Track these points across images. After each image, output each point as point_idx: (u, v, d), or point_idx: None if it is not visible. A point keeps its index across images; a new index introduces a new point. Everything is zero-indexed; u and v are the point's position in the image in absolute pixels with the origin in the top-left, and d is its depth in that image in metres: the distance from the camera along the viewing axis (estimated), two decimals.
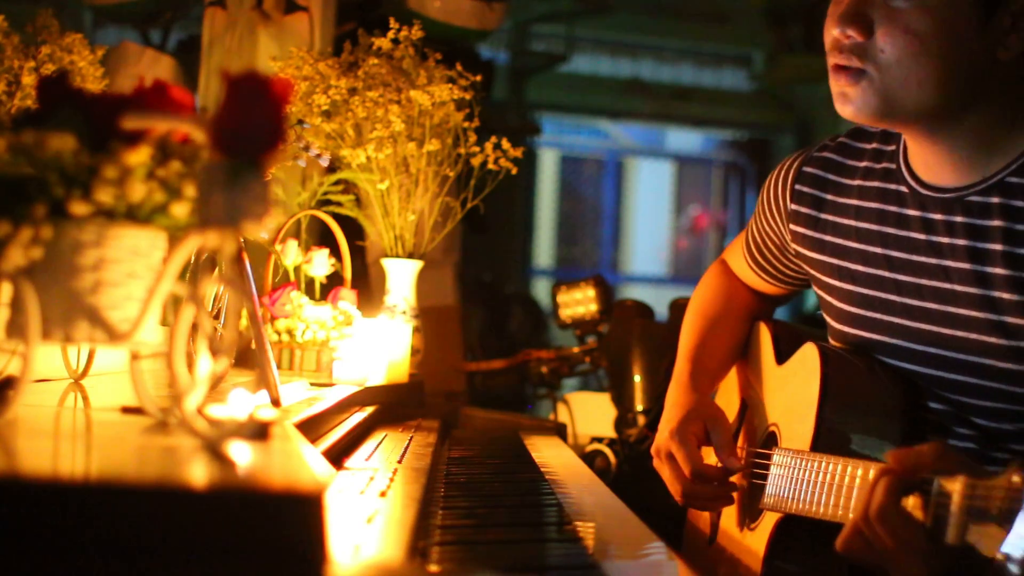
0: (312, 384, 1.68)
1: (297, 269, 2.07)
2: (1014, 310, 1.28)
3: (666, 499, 1.59)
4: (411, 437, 1.66)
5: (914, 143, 1.38)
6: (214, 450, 0.76)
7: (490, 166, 2.20)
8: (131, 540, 0.61)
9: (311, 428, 1.22)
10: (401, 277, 2.25)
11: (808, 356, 1.43)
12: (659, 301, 2.96)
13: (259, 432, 0.81)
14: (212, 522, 0.62)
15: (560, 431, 2.19)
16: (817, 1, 1.37)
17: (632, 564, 1.04)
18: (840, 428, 1.36)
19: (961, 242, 1.32)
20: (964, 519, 0.99)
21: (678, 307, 2.64)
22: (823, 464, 1.28)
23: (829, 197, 1.49)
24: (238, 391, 0.87)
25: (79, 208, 0.76)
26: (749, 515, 1.50)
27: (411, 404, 2.08)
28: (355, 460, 1.36)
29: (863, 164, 1.47)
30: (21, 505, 0.60)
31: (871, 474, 1.18)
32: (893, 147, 1.44)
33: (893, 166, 1.42)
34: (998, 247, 1.29)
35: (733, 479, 1.52)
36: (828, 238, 1.49)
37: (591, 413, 2.82)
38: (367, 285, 2.90)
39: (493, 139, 2.20)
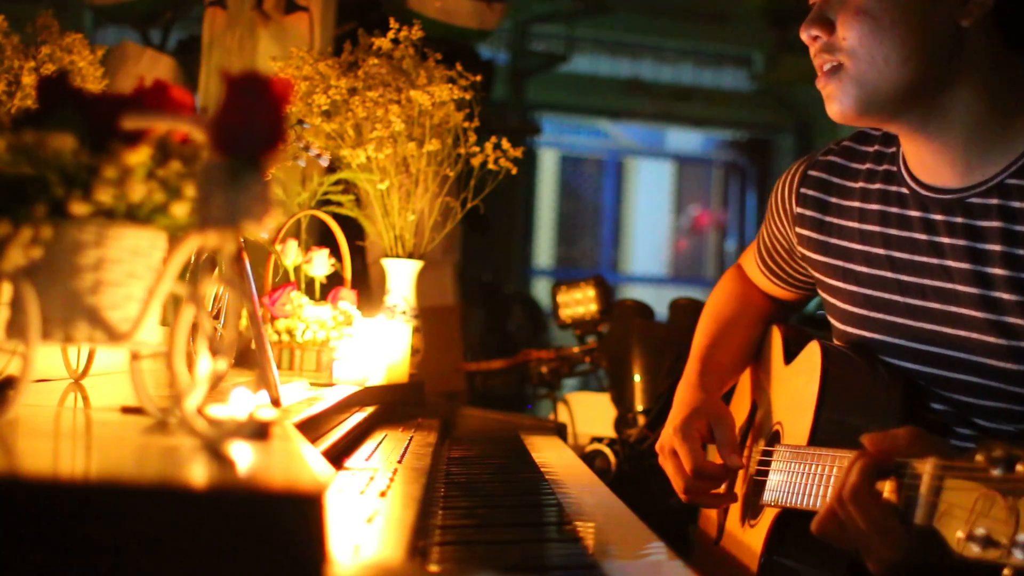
0: (312, 384, 1.68)
1: (297, 269, 2.07)
2: (1014, 310, 1.28)
3: (666, 499, 1.59)
4: (411, 437, 1.66)
5: (908, 142, 1.39)
6: (214, 450, 0.76)
7: (490, 166, 2.20)
8: (131, 540, 0.61)
9: (311, 428, 1.22)
10: (401, 277, 2.25)
11: (811, 354, 1.45)
12: (659, 301, 2.96)
13: (259, 432, 0.81)
14: (212, 522, 0.62)
15: (560, 431, 2.19)
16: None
17: (632, 564, 1.04)
18: (838, 424, 1.36)
19: (961, 242, 1.33)
20: (934, 500, 0.99)
21: (678, 307, 2.64)
22: (816, 457, 1.30)
23: (833, 200, 1.51)
24: (238, 391, 0.87)
25: (79, 208, 0.76)
26: (751, 512, 1.51)
27: (411, 404, 2.08)
28: (355, 460, 1.36)
29: (865, 167, 1.48)
30: (21, 505, 0.60)
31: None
32: (893, 149, 1.45)
33: (894, 168, 1.43)
34: (997, 248, 1.29)
35: (737, 478, 1.52)
36: (832, 240, 1.50)
37: (591, 413, 2.82)
38: (367, 285, 2.90)
39: (493, 139, 2.20)
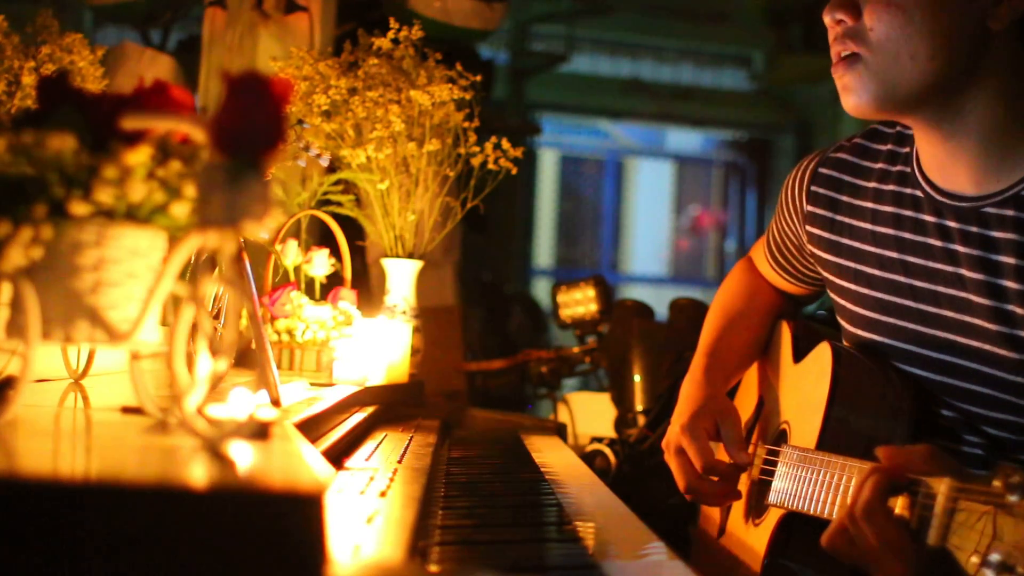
0: (312, 384, 1.68)
1: (297, 269, 2.07)
2: None
3: (666, 499, 1.59)
4: (411, 437, 1.66)
5: (923, 142, 1.37)
6: (214, 450, 0.76)
7: (490, 166, 2.20)
8: (131, 540, 0.61)
9: (311, 428, 1.22)
10: (401, 277, 2.25)
11: (822, 355, 1.43)
12: (659, 301, 2.96)
13: (259, 432, 0.81)
14: (212, 522, 0.62)
15: (560, 431, 2.19)
16: (817, 1, 1.37)
17: (632, 564, 1.04)
18: (847, 428, 1.36)
19: (976, 252, 1.31)
20: (947, 521, 0.99)
21: (678, 307, 2.64)
22: (824, 463, 1.28)
23: (844, 199, 1.49)
24: (238, 391, 0.87)
25: (79, 208, 0.76)
26: (756, 511, 1.51)
27: (411, 404, 2.08)
28: (355, 460, 1.36)
29: (878, 166, 1.46)
30: (21, 505, 0.60)
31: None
32: (907, 149, 1.42)
33: (908, 169, 1.41)
34: (1011, 260, 1.27)
35: (742, 476, 1.52)
36: (844, 241, 1.48)
37: (591, 413, 2.82)
38: (367, 285, 2.90)
39: (493, 139, 2.20)
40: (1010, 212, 1.28)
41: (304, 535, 0.63)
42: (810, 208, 1.53)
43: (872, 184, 1.46)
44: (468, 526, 1.16)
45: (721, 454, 1.52)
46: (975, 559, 0.92)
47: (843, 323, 1.51)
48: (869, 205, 1.45)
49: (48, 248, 0.77)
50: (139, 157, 0.77)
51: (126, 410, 0.98)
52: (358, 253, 2.72)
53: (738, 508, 1.58)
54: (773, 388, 1.61)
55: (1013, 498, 0.91)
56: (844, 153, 1.51)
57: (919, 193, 1.38)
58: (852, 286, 1.47)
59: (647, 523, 1.21)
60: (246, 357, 1.71)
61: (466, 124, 2.20)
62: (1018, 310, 1.27)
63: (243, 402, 0.85)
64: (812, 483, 1.30)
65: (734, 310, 1.71)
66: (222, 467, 0.70)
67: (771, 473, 1.45)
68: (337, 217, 2.17)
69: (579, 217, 8.16)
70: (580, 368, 2.84)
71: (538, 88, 7.17)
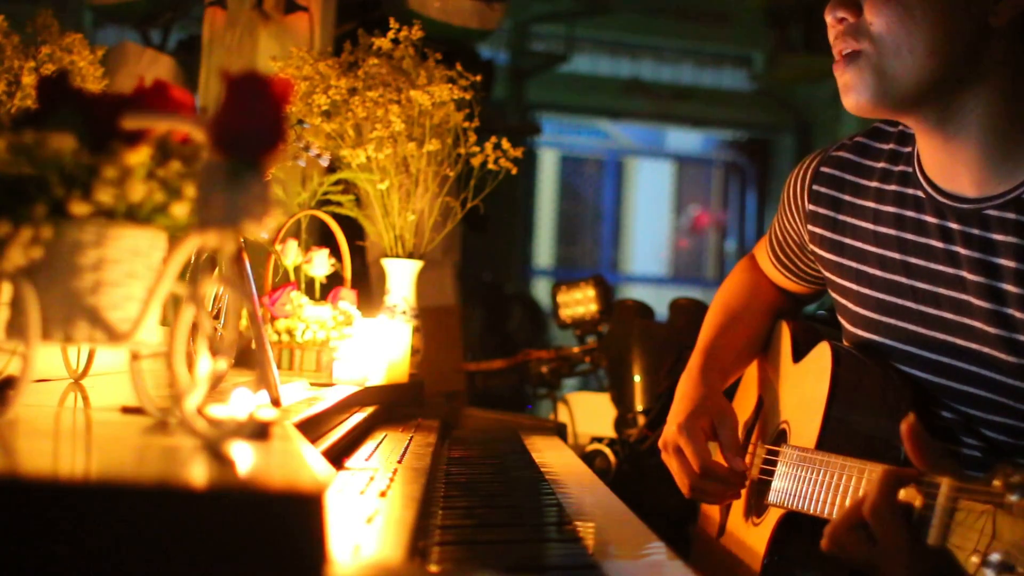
0: (312, 384, 1.68)
1: (297, 269, 2.07)
2: None
3: (666, 499, 1.59)
4: (411, 437, 1.66)
5: (924, 141, 1.36)
6: (214, 450, 0.76)
7: (490, 166, 2.20)
8: (131, 540, 0.61)
9: (311, 428, 1.22)
10: (401, 277, 2.25)
11: (821, 355, 1.43)
12: (659, 301, 2.96)
13: (259, 432, 0.81)
14: (212, 522, 0.62)
15: (560, 431, 2.19)
16: (817, 1, 1.37)
17: (632, 564, 1.04)
18: (846, 429, 1.36)
19: (977, 255, 1.30)
20: (947, 521, 0.99)
21: (678, 307, 2.64)
22: (824, 464, 1.28)
23: (847, 198, 1.48)
24: (238, 391, 0.87)
25: (79, 208, 0.76)
26: (756, 510, 1.51)
27: (411, 404, 2.08)
28: (355, 460, 1.36)
29: (880, 165, 1.46)
30: (21, 505, 0.60)
31: (865, 477, 1.18)
32: (909, 149, 1.42)
33: (909, 169, 1.41)
34: (1012, 264, 1.27)
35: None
36: (846, 240, 1.48)
37: (591, 413, 2.82)
38: (367, 285, 2.90)
39: (493, 139, 2.20)
40: (1011, 215, 1.28)
41: (304, 535, 0.63)
42: (812, 207, 1.53)
43: (874, 183, 1.45)
44: (468, 526, 1.16)
45: (718, 455, 1.52)
46: (975, 559, 0.92)
47: (844, 323, 1.51)
48: (871, 205, 1.45)
49: (48, 248, 0.77)
50: (139, 157, 0.77)
51: (126, 410, 0.98)
52: (358, 253, 2.72)
53: (738, 508, 1.58)
54: (773, 387, 1.61)
55: (1013, 497, 0.91)
56: (846, 152, 1.51)
57: (921, 194, 1.38)
58: (853, 286, 1.47)
59: (647, 523, 1.21)
60: (246, 357, 1.71)
61: (466, 124, 2.20)
62: (1017, 314, 1.27)
63: (243, 402, 0.85)
64: (812, 483, 1.30)
65: (734, 308, 1.70)
66: (222, 467, 0.70)
67: (771, 473, 1.45)
68: (337, 217, 2.17)
69: (579, 217, 8.17)
70: (580, 368, 2.84)
71: (538, 88, 7.17)
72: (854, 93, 1.32)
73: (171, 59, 2.99)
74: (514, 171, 2.19)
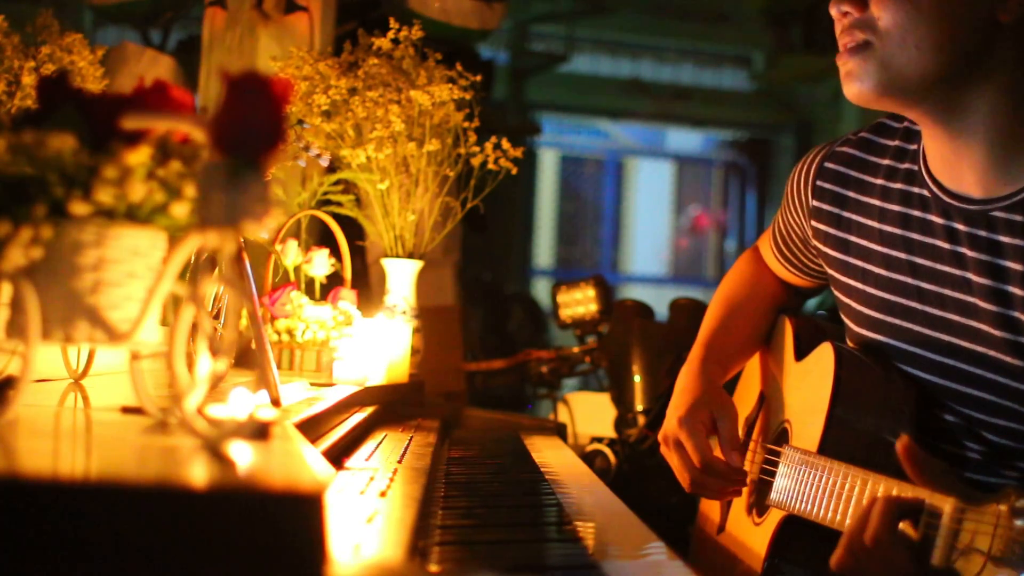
0: (312, 384, 1.68)
1: (297, 269, 2.07)
2: None
3: (666, 499, 1.59)
4: (411, 437, 1.66)
5: (929, 138, 1.35)
6: (214, 450, 0.76)
7: (490, 166, 2.20)
8: (131, 540, 0.61)
9: (311, 428, 1.22)
10: (401, 277, 2.25)
11: (824, 356, 1.43)
12: (659, 301, 2.96)
13: (259, 432, 0.81)
14: (212, 522, 0.62)
15: (560, 431, 2.19)
16: (817, 1, 1.36)
17: (632, 564, 1.04)
18: (849, 431, 1.35)
19: (983, 257, 1.29)
20: (952, 542, 0.99)
21: (678, 307, 2.64)
22: (827, 470, 1.28)
23: (852, 195, 1.47)
24: (238, 391, 0.87)
25: (79, 208, 0.76)
26: (757, 508, 1.50)
27: (411, 404, 2.08)
28: (355, 460, 1.36)
29: (885, 162, 1.44)
30: (21, 505, 0.60)
31: (869, 487, 1.18)
32: (915, 146, 1.41)
33: (915, 167, 1.39)
34: (1018, 266, 1.26)
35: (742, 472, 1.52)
36: (852, 238, 1.46)
37: (591, 413, 2.82)
38: (367, 285, 2.90)
39: (493, 139, 2.20)
40: (1019, 217, 1.27)
41: (304, 535, 0.63)
42: (816, 203, 1.51)
43: (879, 181, 1.44)
44: (468, 526, 1.16)
45: (719, 450, 1.52)
46: None
47: (847, 322, 1.50)
48: (876, 203, 1.43)
49: (48, 248, 0.77)
50: (139, 157, 0.77)
51: (126, 410, 0.98)
52: (358, 253, 2.72)
53: (738, 507, 1.58)
54: (774, 384, 1.60)
55: (1019, 522, 0.90)
56: (851, 147, 1.49)
57: (927, 193, 1.37)
58: (858, 284, 1.46)
59: (647, 523, 1.21)
60: (246, 357, 1.71)
61: (466, 124, 2.20)
62: (1022, 317, 1.26)
63: (243, 402, 0.85)
64: (815, 487, 1.29)
65: (736, 300, 1.69)
66: (222, 467, 0.70)
67: (772, 473, 1.45)
68: (337, 217, 2.17)
69: (579, 217, 8.17)
70: (580, 368, 2.84)
71: (538, 88, 7.17)
72: (857, 82, 1.30)
73: (171, 59, 2.99)
74: (514, 171, 2.19)
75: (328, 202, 2.24)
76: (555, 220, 7.88)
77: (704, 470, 1.48)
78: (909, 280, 1.39)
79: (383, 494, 1.11)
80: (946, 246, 1.34)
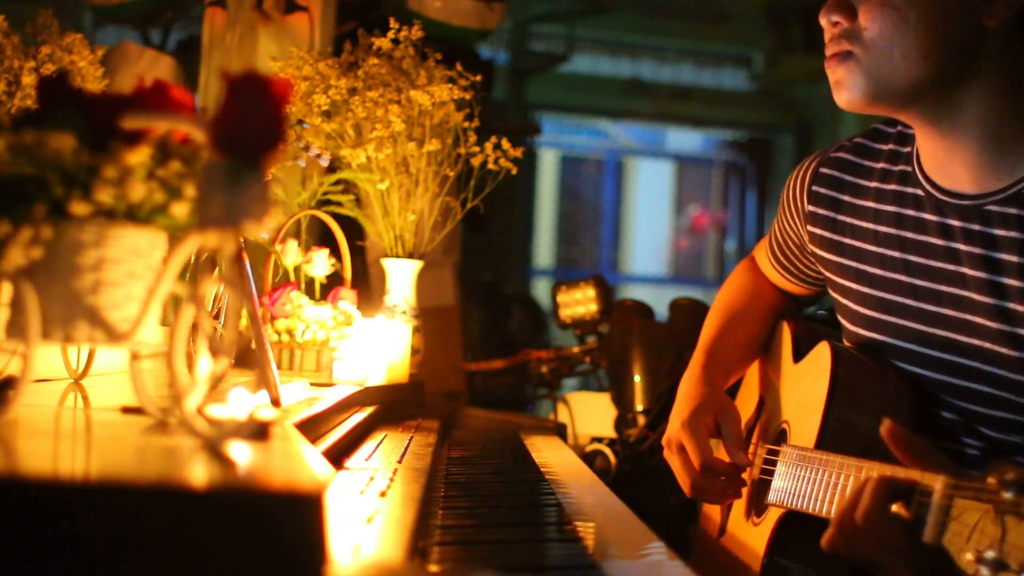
0: (312, 384, 1.68)
1: (297, 269, 2.07)
2: None
3: (666, 499, 1.59)
4: (411, 437, 1.66)
5: (922, 138, 1.37)
6: (214, 450, 0.76)
7: (490, 166, 2.20)
8: (131, 540, 0.61)
9: (311, 428, 1.22)
10: (401, 277, 2.25)
11: (821, 355, 1.44)
12: (659, 301, 2.96)
13: (259, 432, 0.81)
14: (212, 522, 0.62)
15: (560, 431, 2.19)
16: (817, 1, 1.37)
17: (632, 564, 1.04)
18: (846, 428, 1.36)
19: (978, 250, 1.31)
20: (943, 519, 0.99)
21: (678, 307, 2.64)
22: (823, 463, 1.29)
23: (846, 199, 1.49)
24: (238, 391, 0.87)
25: (79, 208, 0.76)
26: (756, 509, 1.51)
27: (411, 404, 2.08)
28: (355, 460, 1.36)
29: (880, 165, 1.46)
30: (21, 505, 0.60)
31: (864, 474, 1.18)
32: (908, 149, 1.43)
33: (909, 168, 1.41)
34: (1014, 258, 1.28)
35: (743, 474, 1.52)
36: (846, 240, 1.48)
37: (591, 413, 2.82)
38: (367, 285, 2.90)
39: (493, 139, 2.20)
40: (1013, 210, 1.29)
41: (304, 535, 0.63)
42: (811, 208, 1.53)
43: (874, 184, 1.46)
44: (468, 526, 1.16)
45: (721, 452, 1.52)
46: (970, 556, 0.93)
47: (844, 322, 1.51)
48: (871, 204, 1.45)
49: (48, 248, 0.77)
50: (139, 157, 0.77)
51: (126, 410, 0.98)
52: (358, 253, 2.72)
53: (738, 508, 1.58)
54: (773, 388, 1.61)
55: (1008, 495, 0.91)
56: (845, 153, 1.51)
57: (920, 192, 1.38)
58: (853, 285, 1.47)
59: (647, 523, 1.21)
60: (246, 357, 1.71)
61: (466, 124, 2.20)
62: (1019, 308, 1.27)
63: (243, 402, 0.85)
64: (811, 482, 1.30)
65: (735, 308, 1.71)
66: (222, 467, 0.70)
67: (771, 473, 1.45)
68: (337, 217, 2.17)
69: (579, 217, 8.17)
70: (580, 368, 2.84)
71: (538, 88, 7.17)
72: (845, 91, 1.33)
73: (171, 59, 2.99)
74: (514, 171, 2.19)
75: (328, 202, 2.24)
76: (555, 220, 7.88)
77: (705, 472, 1.49)
78: (904, 278, 1.40)
79: (383, 494, 1.11)
80: (940, 243, 1.35)
